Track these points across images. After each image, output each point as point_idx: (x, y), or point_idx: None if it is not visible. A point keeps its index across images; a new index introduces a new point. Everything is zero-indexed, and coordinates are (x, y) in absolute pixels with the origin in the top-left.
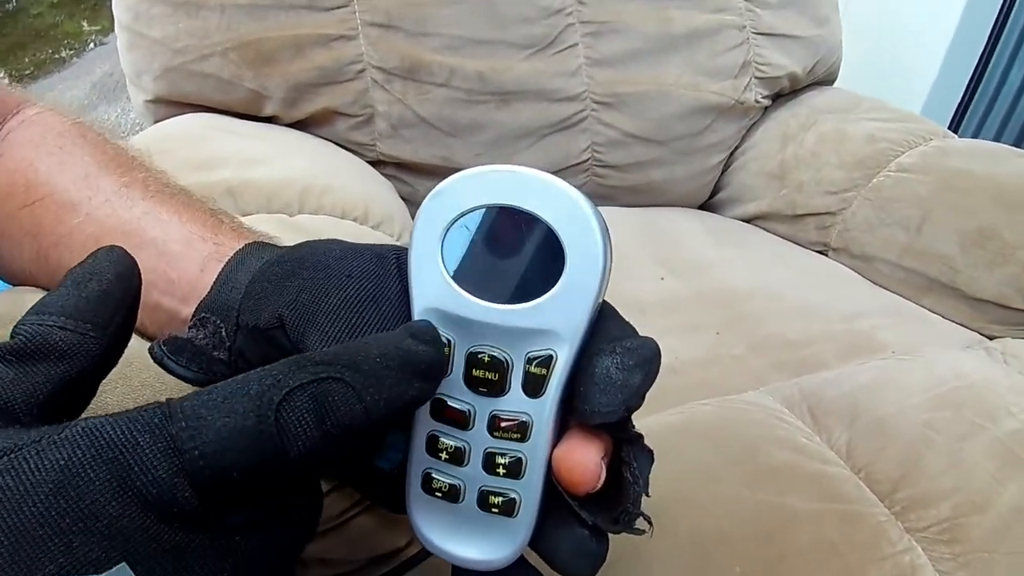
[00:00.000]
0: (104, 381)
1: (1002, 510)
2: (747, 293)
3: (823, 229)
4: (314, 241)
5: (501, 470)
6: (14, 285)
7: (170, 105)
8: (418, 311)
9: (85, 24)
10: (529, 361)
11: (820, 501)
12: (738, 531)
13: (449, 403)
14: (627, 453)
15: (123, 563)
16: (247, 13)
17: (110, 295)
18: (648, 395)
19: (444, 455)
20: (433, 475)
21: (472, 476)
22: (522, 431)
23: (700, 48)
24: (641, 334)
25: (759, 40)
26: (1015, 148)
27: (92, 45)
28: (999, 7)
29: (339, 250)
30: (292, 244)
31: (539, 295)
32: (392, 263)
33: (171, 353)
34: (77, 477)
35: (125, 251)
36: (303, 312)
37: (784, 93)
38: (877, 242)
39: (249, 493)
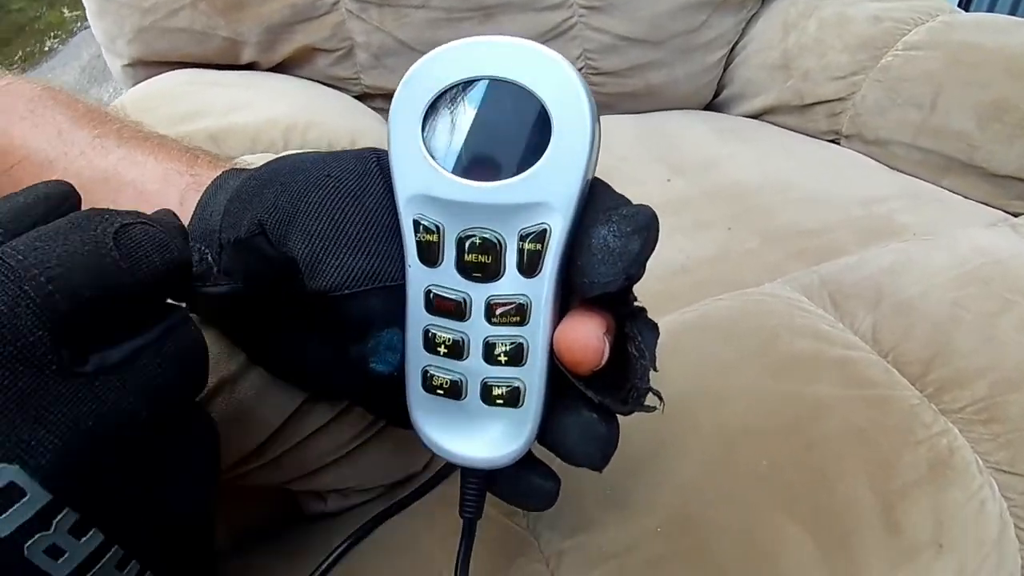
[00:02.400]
0: None
1: None
2: (756, 187)
3: (833, 116)
4: (290, 153)
5: (503, 358)
6: None
7: (148, 66)
8: (402, 200)
9: (66, 11)
10: (523, 238)
11: (846, 387)
12: (763, 423)
13: (442, 294)
14: (630, 328)
15: None
16: None
17: (33, 207)
18: (660, 294)
19: (442, 349)
20: (432, 372)
21: (473, 369)
22: (521, 314)
23: None
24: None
25: None
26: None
27: (76, 31)
28: None
29: (316, 155)
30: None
31: (527, 168)
32: (373, 162)
33: None
34: None
35: (67, 182)
36: (283, 214)
37: None
38: (890, 124)
39: (101, 322)
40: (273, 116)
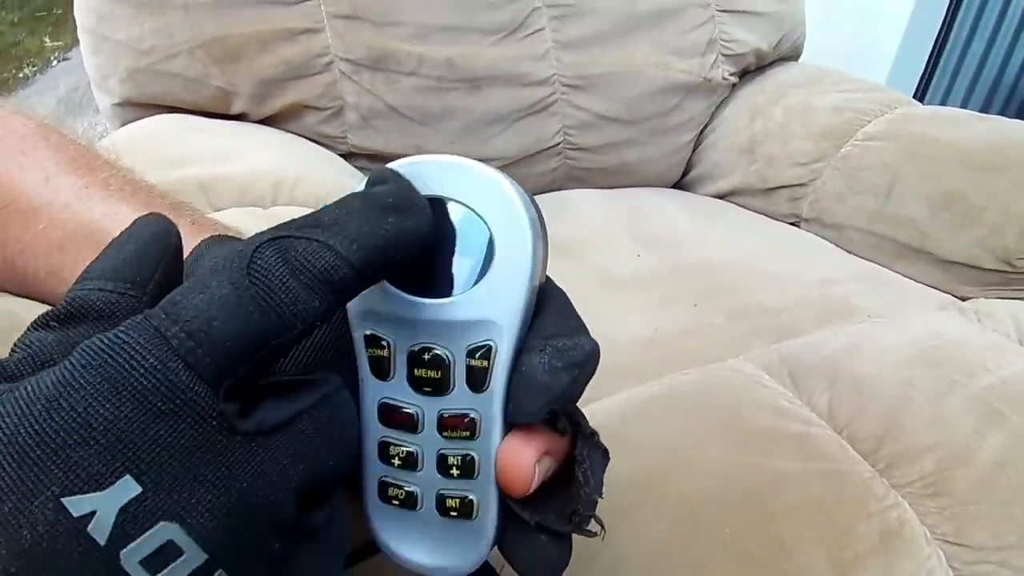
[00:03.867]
0: None
1: (984, 462)
2: (723, 265)
3: (794, 201)
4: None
5: (455, 471)
6: None
7: (138, 107)
8: (353, 315)
9: (47, 40)
10: (470, 354)
11: (805, 461)
12: (726, 493)
13: (396, 406)
14: (580, 451)
15: (127, 475)
16: (211, 10)
17: (147, 254)
18: (631, 365)
19: (397, 461)
20: (388, 482)
21: (428, 480)
22: (471, 428)
23: (666, 27)
24: (619, 302)
25: (724, 17)
26: (978, 113)
27: (55, 61)
28: None
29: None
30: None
31: (472, 285)
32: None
33: None
34: (69, 387)
35: (162, 215)
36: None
37: (751, 70)
38: (848, 210)
39: (253, 369)
40: (263, 168)
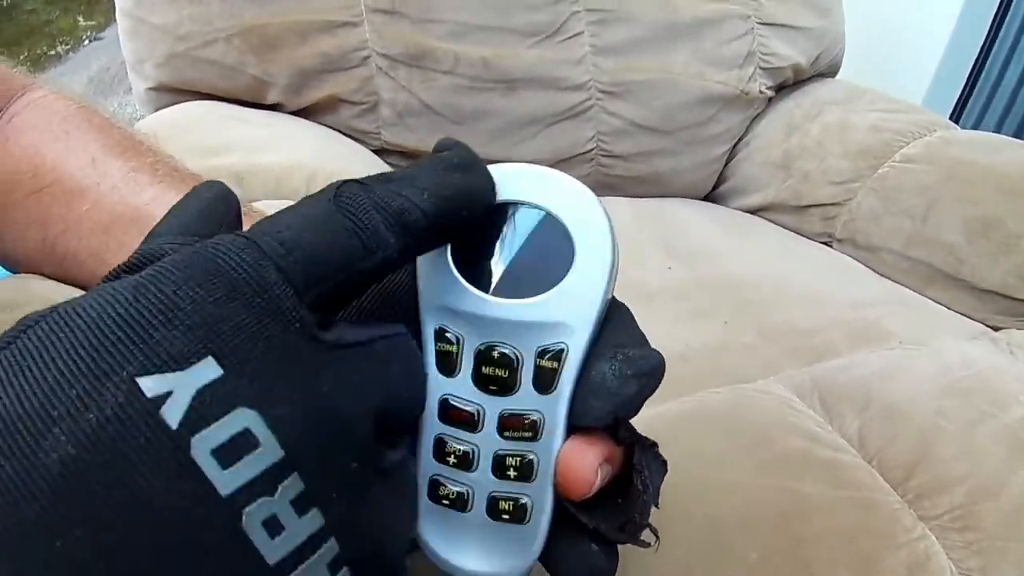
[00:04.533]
0: None
1: (1014, 497)
2: (754, 282)
3: (828, 220)
4: None
5: (512, 472)
6: (16, 272)
7: (172, 92)
8: (425, 308)
9: (80, 19)
10: (540, 355)
11: (834, 488)
12: (753, 516)
13: (457, 404)
14: (638, 460)
15: (208, 356)
16: None
17: (211, 213)
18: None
19: (452, 459)
20: (440, 481)
21: (481, 481)
22: (533, 429)
23: (705, 37)
24: (648, 314)
25: (763, 30)
26: (1016, 139)
27: (87, 41)
28: (997, 2)
29: None
30: None
31: (548, 289)
32: None
33: None
34: (158, 275)
35: (219, 180)
36: None
37: (788, 84)
38: (882, 232)
39: (334, 290)
40: (297, 161)
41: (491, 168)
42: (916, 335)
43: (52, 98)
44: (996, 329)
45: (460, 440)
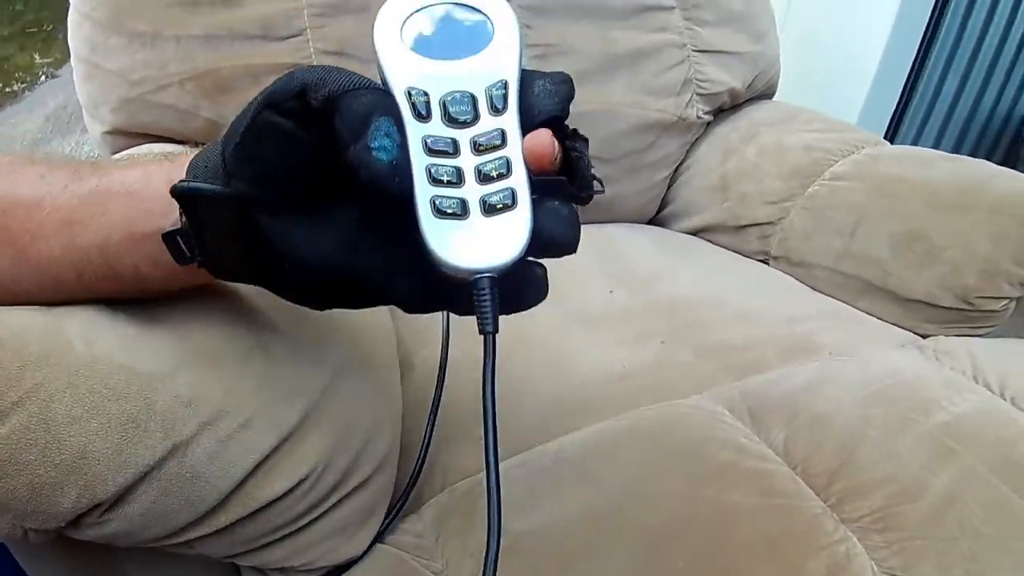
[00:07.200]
0: None
1: (933, 498)
2: (693, 302)
3: (764, 239)
4: None
5: (494, 174)
6: None
7: (127, 136)
8: (393, 77)
9: (37, 56)
10: (489, 89)
11: (759, 496)
12: (683, 527)
13: (436, 140)
14: (570, 143)
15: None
16: (203, 44)
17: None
18: (596, 400)
19: (445, 178)
20: (439, 199)
21: (472, 191)
22: (502, 139)
23: (643, 67)
24: (590, 339)
25: (699, 57)
26: (946, 153)
27: (44, 78)
28: (928, 18)
29: None
30: None
31: (482, 49)
32: None
33: (192, 179)
34: None
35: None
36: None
37: (725, 108)
38: (814, 249)
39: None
40: None
41: None
42: (846, 346)
43: None
44: (924, 337)
45: (446, 166)
